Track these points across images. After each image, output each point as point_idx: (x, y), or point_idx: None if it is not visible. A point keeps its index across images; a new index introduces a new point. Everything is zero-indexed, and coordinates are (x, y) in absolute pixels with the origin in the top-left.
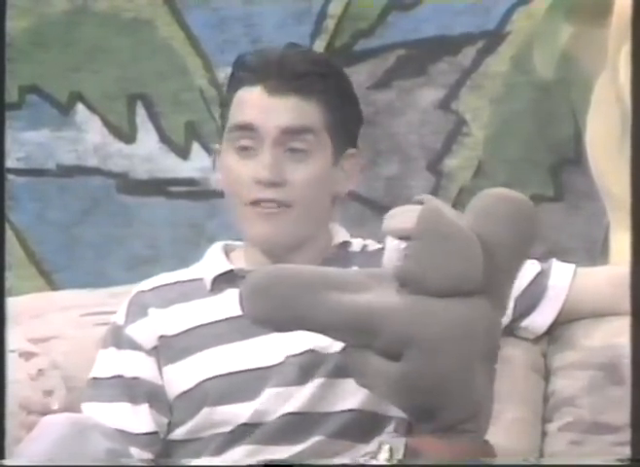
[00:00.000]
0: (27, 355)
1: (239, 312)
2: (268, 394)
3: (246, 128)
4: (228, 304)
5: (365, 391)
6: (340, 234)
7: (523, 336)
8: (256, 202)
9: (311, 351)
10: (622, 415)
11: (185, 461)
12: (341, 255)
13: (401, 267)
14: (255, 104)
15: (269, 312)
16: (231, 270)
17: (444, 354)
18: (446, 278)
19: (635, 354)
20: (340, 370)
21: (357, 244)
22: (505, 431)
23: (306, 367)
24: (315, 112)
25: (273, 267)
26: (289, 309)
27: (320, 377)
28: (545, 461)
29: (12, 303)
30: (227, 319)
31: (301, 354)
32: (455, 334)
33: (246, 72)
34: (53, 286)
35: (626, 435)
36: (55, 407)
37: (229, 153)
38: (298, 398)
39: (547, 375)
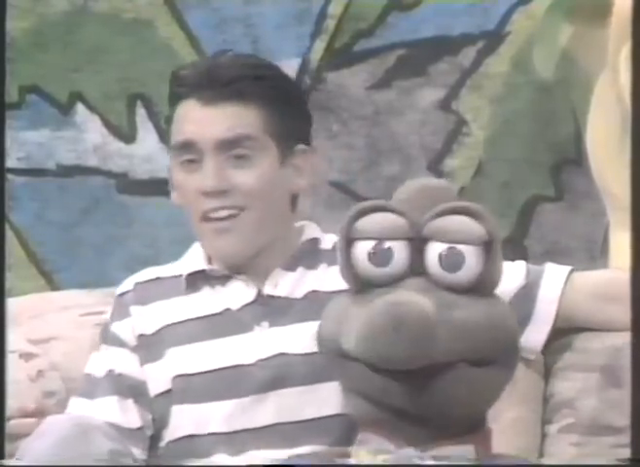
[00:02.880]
0: (27, 356)
1: (211, 311)
2: (242, 401)
3: (185, 144)
4: (201, 302)
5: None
6: (310, 231)
7: (523, 356)
8: (206, 216)
9: (282, 355)
10: (622, 417)
11: (182, 462)
12: (310, 251)
13: (483, 271)
14: (190, 118)
15: (406, 357)
16: (204, 270)
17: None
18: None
19: (635, 356)
20: (314, 374)
21: (328, 241)
22: (505, 431)
23: (278, 371)
24: (252, 116)
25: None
26: (429, 345)
27: (294, 383)
28: (545, 462)
29: (12, 303)
30: (199, 318)
31: (271, 358)
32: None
33: (181, 86)
34: (53, 286)
35: (626, 437)
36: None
37: (176, 169)
38: (273, 406)
39: (546, 376)
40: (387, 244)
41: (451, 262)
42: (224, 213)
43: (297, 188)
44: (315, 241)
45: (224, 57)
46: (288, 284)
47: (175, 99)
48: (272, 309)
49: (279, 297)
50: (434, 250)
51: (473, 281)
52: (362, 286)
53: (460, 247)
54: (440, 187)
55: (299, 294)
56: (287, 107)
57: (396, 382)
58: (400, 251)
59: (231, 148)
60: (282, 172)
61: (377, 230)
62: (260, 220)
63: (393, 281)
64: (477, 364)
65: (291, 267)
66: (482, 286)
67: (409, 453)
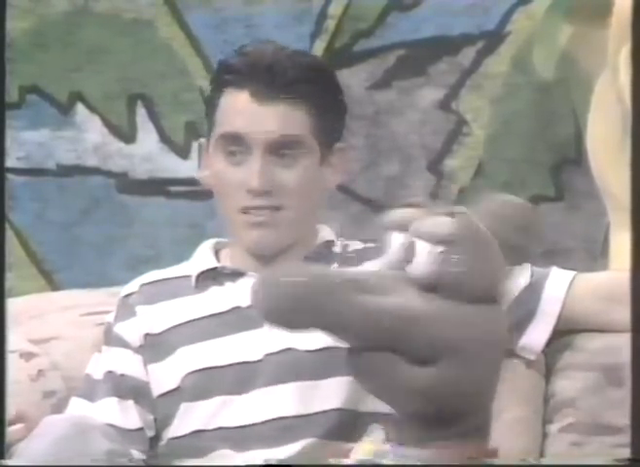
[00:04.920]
0: (28, 356)
1: (221, 309)
2: (250, 396)
3: (234, 136)
4: (211, 300)
5: (345, 390)
6: (325, 233)
7: (524, 356)
8: (245, 211)
9: (290, 349)
10: (623, 417)
11: (181, 461)
12: (324, 254)
13: (438, 271)
14: (242, 112)
15: (286, 311)
16: (215, 268)
17: (479, 360)
18: (481, 284)
19: (635, 355)
20: (320, 370)
21: (339, 244)
22: (505, 430)
23: (285, 366)
24: (303, 118)
25: (293, 265)
26: (309, 309)
27: (299, 378)
28: (545, 461)
29: (12, 303)
30: (209, 316)
31: (279, 352)
32: (488, 340)
33: (232, 75)
34: (53, 286)
35: (627, 436)
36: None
37: (217, 155)
38: (279, 400)
39: (547, 375)
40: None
41: (405, 252)
42: (264, 212)
43: (331, 185)
44: (329, 244)
45: (282, 54)
46: None
47: (222, 85)
48: None
49: None
50: (397, 240)
51: (424, 277)
52: None
53: (415, 240)
54: (519, 206)
55: None
56: (331, 107)
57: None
58: (396, 241)
59: (280, 148)
60: (321, 171)
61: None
62: (296, 218)
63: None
64: (412, 360)
65: None
66: (442, 286)
67: (398, 451)
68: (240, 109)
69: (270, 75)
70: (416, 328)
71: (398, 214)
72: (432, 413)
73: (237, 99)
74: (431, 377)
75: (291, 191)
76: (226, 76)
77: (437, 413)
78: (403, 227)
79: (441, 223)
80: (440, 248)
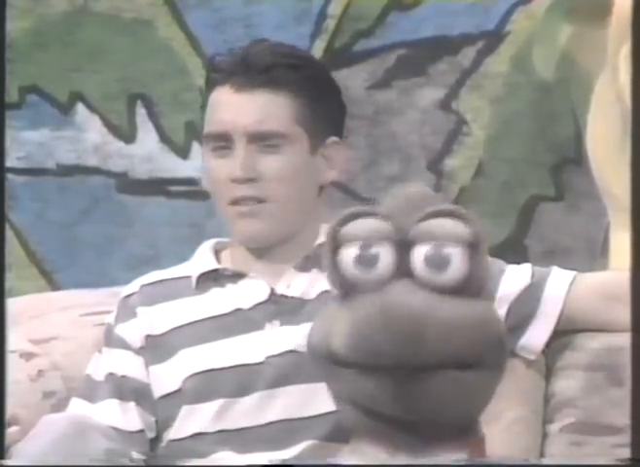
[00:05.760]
0: (28, 356)
1: (222, 311)
2: (251, 398)
3: (218, 130)
4: (212, 302)
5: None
6: (324, 234)
7: (524, 356)
8: (235, 201)
9: (292, 352)
10: (623, 417)
11: (181, 461)
12: (322, 254)
13: (470, 272)
14: (223, 104)
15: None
16: (216, 270)
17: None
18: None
19: (635, 355)
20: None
21: None
22: (505, 431)
23: (287, 368)
24: (284, 105)
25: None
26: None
27: (301, 381)
28: (545, 461)
29: (12, 303)
30: (210, 318)
31: (281, 355)
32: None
33: (216, 73)
34: (53, 286)
35: (627, 436)
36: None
37: (206, 153)
38: (281, 402)
39: (547, 375)
40: (373, 248)
41: (437, 261)
42: (250, 202)
43: (326, 180)
44: None
45: (260, 45)
46: (301, 285)
47: (210, 86)
48: (284, 309)
49: (292, 297)
50: (420, 252)
51: (459, 282)
52: (349, 290)
53: (446, 247)
54: (423, 193)
55: (312, 295)
56: (321, 98)
57: (385, 389)
58: (385, 255)
59: (263, 135)
60: (312, 162)
61: (363, 234)
62: (285, 207)
63: (379, 285)
64: (465, 366)
65: (305, 267)
66: (469, 287)
67: (402, 461)
68: (222, 102)
69: (247, 64)
70: (476, 332)
71: (421, 227)
72: (469, 414)
73: (220, 94)
74: (474, 379)
75: (275, 179)
76: (213, 75)
77: (472, 415)
78: (427, 237)
79: (453, 226)
80: (466, 249)
